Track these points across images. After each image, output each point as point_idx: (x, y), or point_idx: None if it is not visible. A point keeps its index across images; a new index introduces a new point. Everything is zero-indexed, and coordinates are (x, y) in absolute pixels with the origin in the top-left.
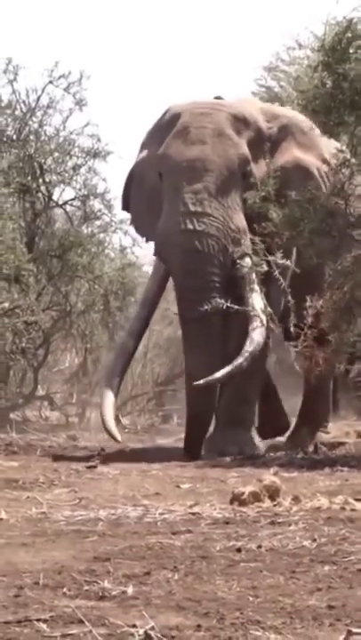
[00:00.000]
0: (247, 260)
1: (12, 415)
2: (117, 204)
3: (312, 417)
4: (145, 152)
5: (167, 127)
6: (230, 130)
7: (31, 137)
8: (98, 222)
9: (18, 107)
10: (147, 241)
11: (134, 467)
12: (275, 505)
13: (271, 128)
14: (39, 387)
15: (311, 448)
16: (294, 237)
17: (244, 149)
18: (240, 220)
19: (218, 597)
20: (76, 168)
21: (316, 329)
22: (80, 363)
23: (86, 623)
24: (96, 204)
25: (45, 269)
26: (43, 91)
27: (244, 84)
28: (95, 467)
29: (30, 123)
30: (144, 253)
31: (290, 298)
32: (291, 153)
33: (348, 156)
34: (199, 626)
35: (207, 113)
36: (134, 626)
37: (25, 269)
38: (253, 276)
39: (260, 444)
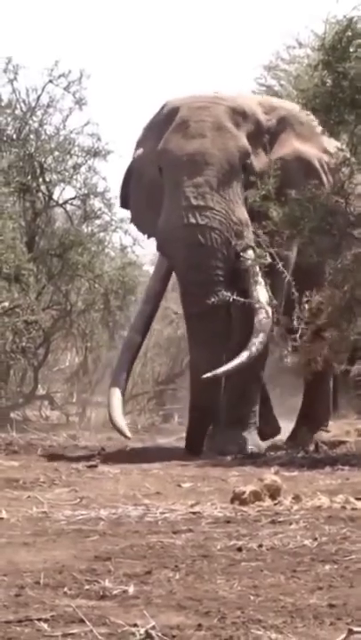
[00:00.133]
0: (250, 253)
1: (12, 414)
2: (117, 202)
3: (312, 416)
4: (142, 148)
5: (165, 122)
6: (229, 123)
7: (31, 136)
8: (98, 221)
9: (18, 106)
10: (148, 238)
11: (135, 466)
12: (276, 504)
13: (270, 120)
14: (39, 386)
15: (312, 447)
16: (294, 236)
17: (244, 142)
18: (242, 213)
19: (219, 596)
20: (76, 167)
21: (313, 324)
22: (80, 362)
23: (87, 622)
24: (96, 203)
25: (45, 268)
26: (43, 90)
27: (245, 82)
28: (96, 466)
29: (30, 122)
30: (144, 252)
31: (294, 290)
32: (290, 145)
33: (348, 155)
34: (200, 625)
35: (206, 106)
36: (135, 625)
37: (25, 268)
38: (257, 268)
39: (261, 443)
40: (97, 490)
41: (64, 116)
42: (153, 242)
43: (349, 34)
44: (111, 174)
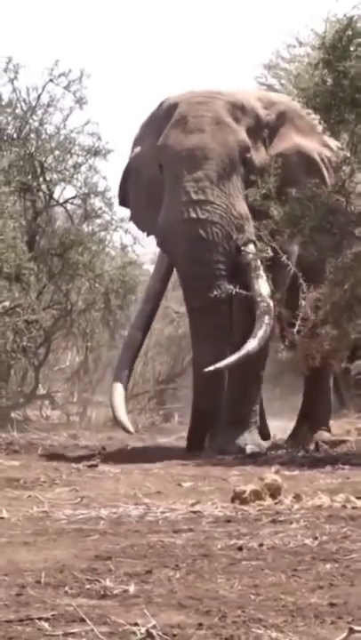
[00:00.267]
0: (251, 247)
1: (13, 414)
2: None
3: (313, 415)
4: (141, 146)
5: (165, 118)
6: (229, 117)
7: (32, 135)
8: (98, 221)
9: (18, 105)
10: (147, 235)
11: (135, 465)
12: (276, 503)
13: (269, 115)
14: (40, 386)
15: (312, 446)
16: (295, 234)
17: (244, 136)
18: (243, 207)
19: (219, 596)
20: (76, 166)
21: (310, 321)
22: (81, 361)
23: (88, 622)
24: (97, 203)
25: (46, 268)
26: (43, 89)
27: (245, 81)
28: (96, 465)
29: (31, 121)
30: (145, 251)
31: (302, 281)
32: (290, 139)
33: (349, 154)
34: (201, 624)
35: (204, 101)
36: (136, 624)
37: (26, 268)
38: (259, 262)
39: (262, 442)
40: (97, 489)
41: (64, 116)
42: (153, 241)
43: (350, 32)
44: (112, 173)
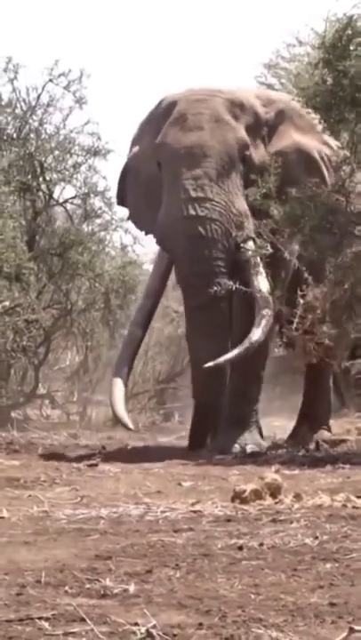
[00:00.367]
0: (251, 244)
1: (13, 414)
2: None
3: (313, 415)
4: (139, 145)
5: (163, 116)
6: (227, 115)
7: (31, 135)
8: (98, 220)
9: (18, 105)
10: (146, 234)
11: (136, 465)
12: (276, 502)
13: (268, 113)
14: (40, 385)
15: (313, 445)
16: (295, 234)
17: (243, 134)
18: (242, 204)
19: (219, 595)
20: (76, 166)
21: (307, 319)
22: (81, 361)
23: (88, 621)
24: (97, 203)
25: (46, 268)
26: (43, 89)
27: (245, 81)
28: (96, 465)
29: (30, 121)
30: (145, 251)
31: (307, 275)
32: (290, 137)
33: (349, 154)
34: (201, 624)
35: (203, 99)
36: (136, 624)
37: (25, 268)
38: (258, 259)
39: (262, 442)
40: (98, 489)
41: (64, 115)
42: (153, 240)
43: (350, 32)
44: (111, 173)
